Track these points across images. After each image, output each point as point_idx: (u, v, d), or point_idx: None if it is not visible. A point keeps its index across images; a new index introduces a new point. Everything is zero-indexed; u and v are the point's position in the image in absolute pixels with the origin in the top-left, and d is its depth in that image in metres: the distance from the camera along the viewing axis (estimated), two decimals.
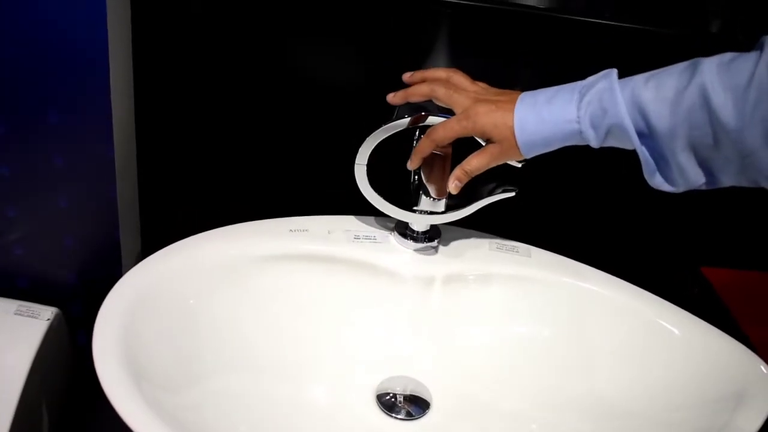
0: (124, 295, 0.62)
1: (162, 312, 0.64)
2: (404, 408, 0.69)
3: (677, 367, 0.68)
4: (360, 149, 0.70)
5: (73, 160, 0.75)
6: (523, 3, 0.74)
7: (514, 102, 0.62)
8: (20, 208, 0.78)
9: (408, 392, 0.71)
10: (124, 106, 0.76)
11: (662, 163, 0.57)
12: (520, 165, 0.66)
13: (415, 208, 0.73)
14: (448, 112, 0.69)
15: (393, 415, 0.68)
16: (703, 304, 0.80)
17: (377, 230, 0.77)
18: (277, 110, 0.80)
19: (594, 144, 0.59)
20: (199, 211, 0.86)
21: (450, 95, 0.65)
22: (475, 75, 0.70)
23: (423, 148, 0.67)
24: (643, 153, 0.57)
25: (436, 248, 0.75)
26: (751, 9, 0.82)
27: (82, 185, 0.76)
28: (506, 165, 0.67)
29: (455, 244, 0.77)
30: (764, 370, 0.64)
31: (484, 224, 0.79)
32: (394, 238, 0.76)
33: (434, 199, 0.72)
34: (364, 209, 0.74)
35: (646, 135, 0.57)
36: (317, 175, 0.84)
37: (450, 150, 0.68)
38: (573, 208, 0.88)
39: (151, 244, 0.72)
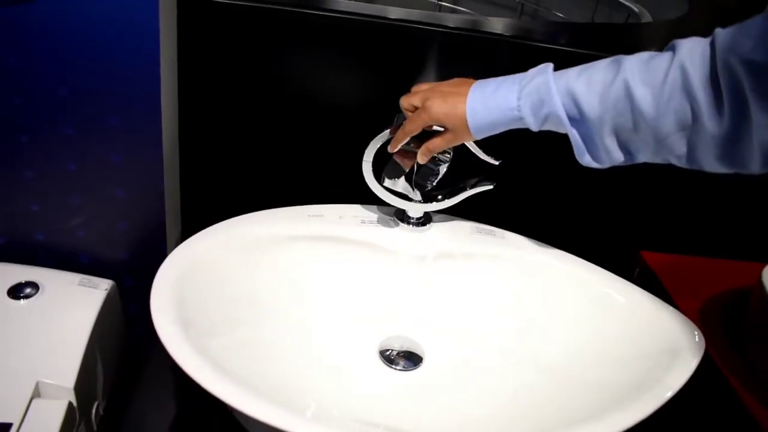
0: (174, 266, 0.68)
1: (203, 279, 0.69)
2: (401, 361, 0.75)
3: (622, 329, 0.72)
4: (366, 150, 0.75)
5: (128, 158, 0.82)
6: (495, 31, 0.80)
7: (464, 94, 0.65)
8: (83, 198, 0.85)
9: (405, 349, 0.77)
10: (170, 114, 0.83)
11: (591, 144, 0.62)
12: (497, 163, 0.73)
13: (386, 185, 0.77)
14: None
15: (392, 366, 0.74)
16: (642, 280, 0.83)
17: (380, 216, 0.82)
18: (299, 119, 0.85)
19: (533, 128, 0.64)
20: (232, 199, 0.89)
21: (414, 110, 0.69)
22: None
23: (399, 137, 0.71)
24: (574, 136, 0.62)
25: (428, 231, 0.80)
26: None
27: (136, 178, 0.84)
28: (486, 163, 0.72)
29: (444, 228, 0.81)
30: (695, 332, 0.68)
31: (468, 212, 0.82)
32: (393, 223, 0.80)
33: (405, 183, 0.77)
34: (369, 199, 0.80)
35: (578, 121, 0.61)
36: (331, 170, 0.88)
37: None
38: (540, 199, 0.91)
39: (190, 227, 0.75)
